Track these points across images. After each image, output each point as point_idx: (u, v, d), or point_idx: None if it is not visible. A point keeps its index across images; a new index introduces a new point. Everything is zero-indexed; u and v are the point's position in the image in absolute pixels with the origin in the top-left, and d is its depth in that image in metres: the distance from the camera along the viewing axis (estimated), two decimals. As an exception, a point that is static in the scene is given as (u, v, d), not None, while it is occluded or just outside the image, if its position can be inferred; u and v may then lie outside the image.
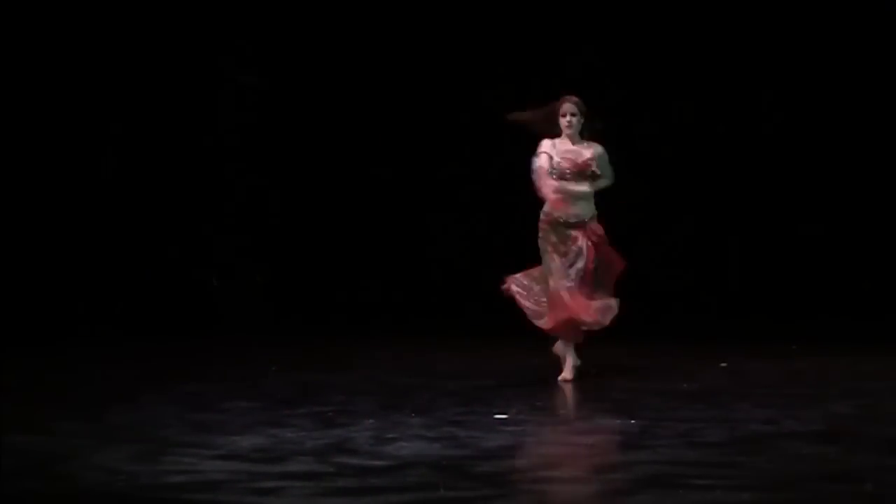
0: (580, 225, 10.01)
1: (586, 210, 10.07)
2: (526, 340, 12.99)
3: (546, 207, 10.02)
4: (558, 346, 10.22)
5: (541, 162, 9.93)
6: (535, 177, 9.92)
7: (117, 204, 14.42)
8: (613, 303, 10.08)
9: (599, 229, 10.07)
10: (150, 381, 10.20)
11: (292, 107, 15.19)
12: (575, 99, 10.07)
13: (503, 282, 10.21)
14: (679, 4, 14.32)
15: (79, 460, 7.04)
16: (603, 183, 10.14)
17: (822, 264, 14.01)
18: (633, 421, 8.16)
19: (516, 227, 14.71)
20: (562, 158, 9.98)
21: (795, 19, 14.05)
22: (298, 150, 15.20)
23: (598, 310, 10.01)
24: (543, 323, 10.04)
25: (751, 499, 6.21)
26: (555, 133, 10.04)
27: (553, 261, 10.00)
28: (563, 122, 10.03)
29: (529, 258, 14.69)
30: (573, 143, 10.05)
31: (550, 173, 9.91)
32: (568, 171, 9.97)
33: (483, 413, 8.50)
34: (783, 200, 14.12)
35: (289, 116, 15.21)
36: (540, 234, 10.10)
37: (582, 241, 9.99)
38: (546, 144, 10.00)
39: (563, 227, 10.02)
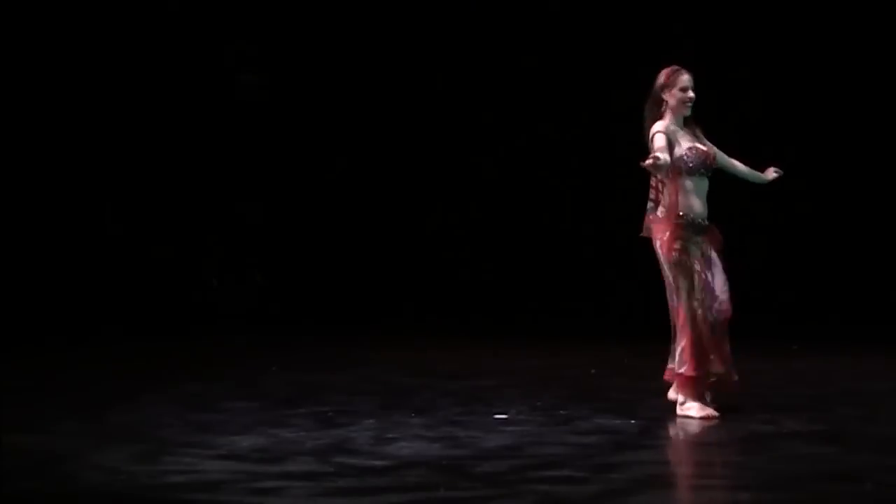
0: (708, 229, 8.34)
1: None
2: (526, 340, 13.02)
3: (678, 205, 8.24)
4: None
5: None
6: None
7: (118, 203, 14.42)
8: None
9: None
10: (150, 381, 10.20)
11: (293, 106, 15.19)
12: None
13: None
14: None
15: (79, 460, 7.04)
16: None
17: (822, 264, 14.00)
18: (633, 421, 8.15)
19: (517, 226, 14.81)
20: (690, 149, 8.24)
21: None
22: (299, 149, 15.20)
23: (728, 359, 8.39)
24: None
25: (751, 499, 6.21)
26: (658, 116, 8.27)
27: (703, 278, 8.21)
28: (684, 97, 8.24)
29: (529, 258, 14.78)
30: (685, 127, 8.32)
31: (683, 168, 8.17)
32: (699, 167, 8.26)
33: (483, 413, 8.49)
34: (781, 201, 14.10)
35: (289, 115, 15.21)
36: (675, 246, 8.19)
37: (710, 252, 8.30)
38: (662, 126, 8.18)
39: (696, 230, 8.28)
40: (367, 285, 15.10)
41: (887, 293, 13.66)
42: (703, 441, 7.81)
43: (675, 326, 8.31)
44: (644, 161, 7.85)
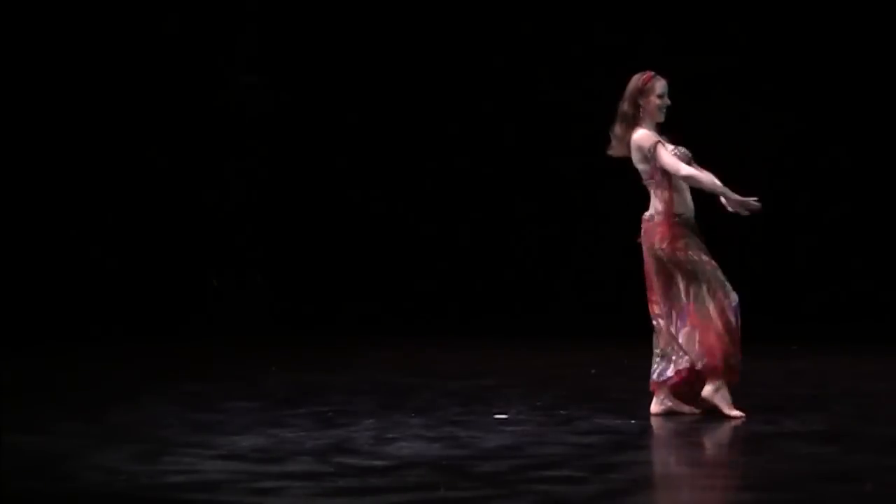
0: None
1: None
2: (526, 340, 13.02)
3: (675, 206, 8.22)
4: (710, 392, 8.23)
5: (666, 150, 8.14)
6: (671, 166, 8.10)
7: (117, 203, 14.42)
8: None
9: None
10: (150, 381, 10.21)
11: (293, 105, 15.18)
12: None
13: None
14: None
15: (79, 460, 7.04)
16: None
17: (822, 265, 13.99)
18: (633, 421, 8.16)
19: (515, 227, 14.81)
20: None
21: None
22: (299, 149, 15.20)
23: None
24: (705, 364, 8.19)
25: (751, 499, 6.21)
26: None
27: (714, 267, 8.18)
28: (661, 103, 8.24)
29: (528, 258, 14.77)
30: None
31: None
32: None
33: (483, 413, 8.50)
34: (780, 200, 14.10)
35: (290, 115, 15.20)
36: (679, 245, 8.17)
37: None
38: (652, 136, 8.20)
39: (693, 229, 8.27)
40: (366, 285, 15.08)
41: (887, 293, 13.64)
42: (704, 441, 7.81)
43: (659, 330, 8.31)
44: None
